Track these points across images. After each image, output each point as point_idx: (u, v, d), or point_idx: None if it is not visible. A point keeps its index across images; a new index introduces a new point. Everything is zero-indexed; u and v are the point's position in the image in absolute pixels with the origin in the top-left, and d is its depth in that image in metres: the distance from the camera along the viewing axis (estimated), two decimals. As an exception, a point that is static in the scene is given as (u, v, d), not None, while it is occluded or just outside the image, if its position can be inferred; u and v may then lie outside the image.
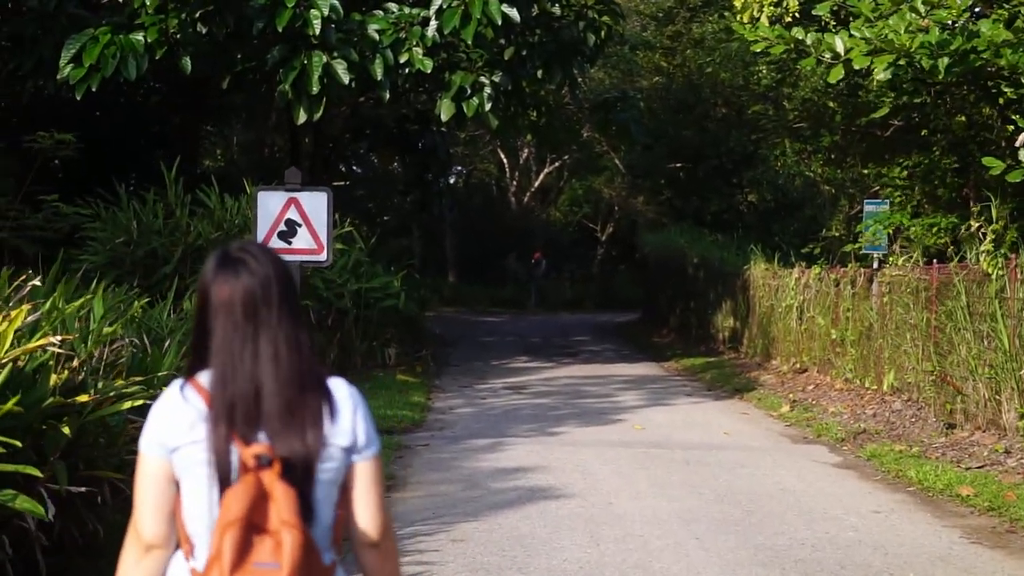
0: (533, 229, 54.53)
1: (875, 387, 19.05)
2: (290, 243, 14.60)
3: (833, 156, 34.85)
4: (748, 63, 39.52)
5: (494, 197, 57.33)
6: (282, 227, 14.72)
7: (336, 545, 3.55)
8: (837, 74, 15.72)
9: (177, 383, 3.55)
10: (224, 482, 3.37)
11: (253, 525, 3.28)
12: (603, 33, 24.93)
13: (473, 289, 51.39)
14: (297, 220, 14.68)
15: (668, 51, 43.36)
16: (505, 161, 55.13)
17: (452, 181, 50.48)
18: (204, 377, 3.49)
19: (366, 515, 3.57)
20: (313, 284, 20.61)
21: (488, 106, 21.90)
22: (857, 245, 21.00)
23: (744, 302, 27.42)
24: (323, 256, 14.70)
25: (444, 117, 22.12)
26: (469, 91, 21.94)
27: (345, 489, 3.55)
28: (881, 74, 15.34)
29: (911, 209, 21.15)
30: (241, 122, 41.24)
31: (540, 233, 54.61)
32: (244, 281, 3.46)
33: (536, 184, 55.05)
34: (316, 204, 14.74)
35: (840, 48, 15.53)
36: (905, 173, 21.60)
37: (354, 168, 44.74)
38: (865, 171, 26.26)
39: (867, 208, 23.42)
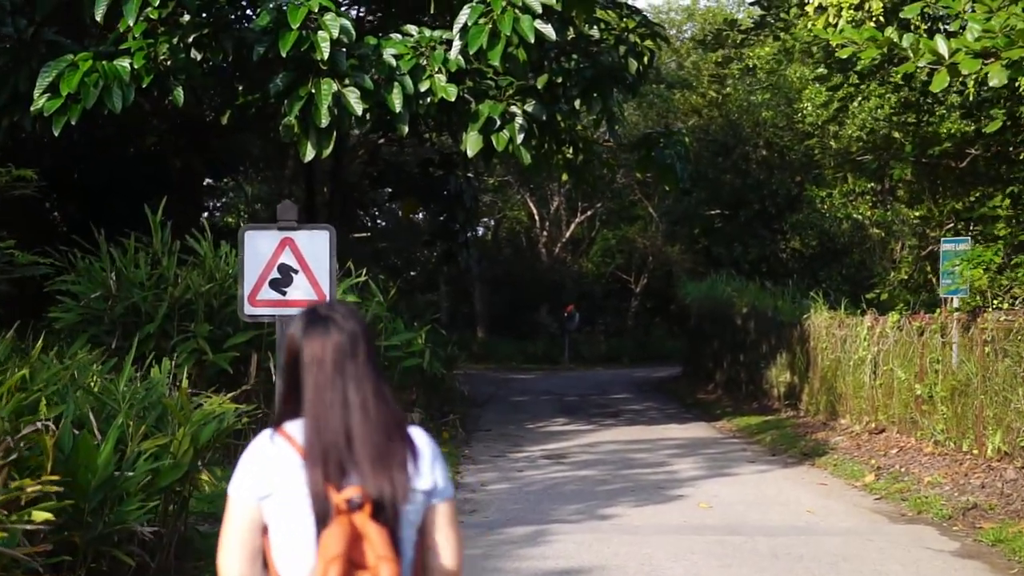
0: (564, 281, 51.71)
1: (976, 451, 16.09)
2: (284, 293, 11.81)
3: (901, 191, 32.28)
4: (792, 100, 37.09)
5: (524, 248, 54.48)
6: (275, 274, 11.93)
7: None
8: (941, 82, 12.88)
9: (267, 432, 3.72)
10: (321, 524, 3.55)
11: (352, 562, 3.47)
12: (646, 59, 22.24)
13: (503, 344, 48.53)
14: (293, 265, 11.90)
15: (714, 78, 40.67)
16: (535, 211, 52.36)
17: (480, 232, 47.85)
18: (292, 427, 3.68)
19: (446, 552, 3.79)
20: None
21: (520, 139, 19.16)
22: (953, 285, 18.01)
23: (803, 354, 24.50)
24: (325, 308, 11.78)
25: (471, 152, 19.36)
26: (498, 122, 19.20)
27: (423, 531, 3.76)
28: (995, 79, 12.50)
29: (1007, 245, 18.30)
30: (255, 171, 38.61)
31: (572, 285, 51.77)
32: (334, 337, 3.69)
33: (567, 235, 52.25)
34: (316, 245, 11.96)
35: (943, 50, 12.68)
36: (1007, 202, 18.67)
37: (377, 219, 41.99)
38: (941, 206, 23.38)
39: (944, 247, 20.55)
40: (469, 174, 31.16)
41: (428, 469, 3.75)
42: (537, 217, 52.62)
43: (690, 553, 11.74)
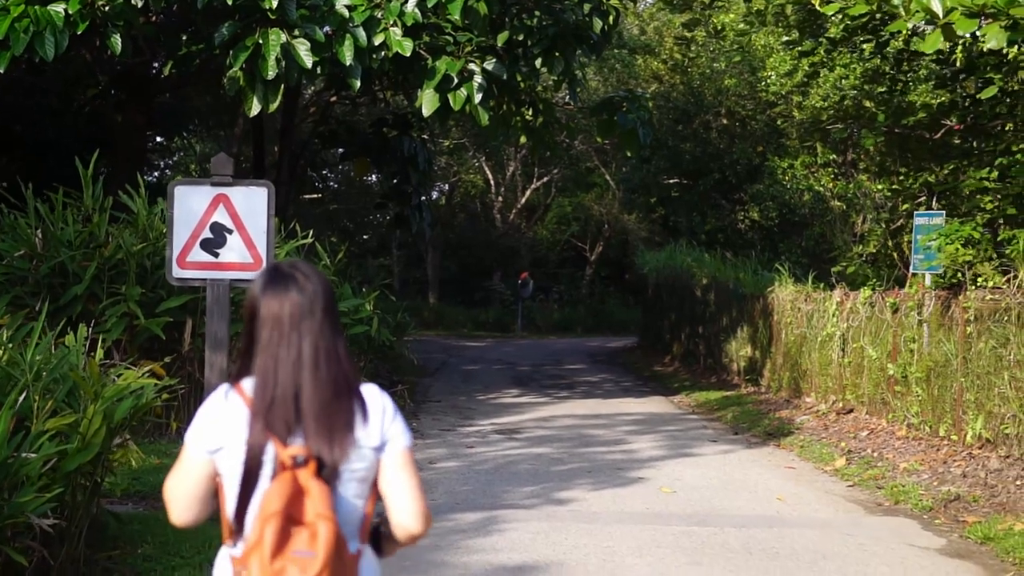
0: (519, 248, 50.57)
1: (954, 437, 15.08)
2: (217, 255, 10.69)
3: (864, 164, 31.30)
4: (756, 68, 36.07)
5: (478, 214, 53.26)
6: (207, 233, 10.81)
7: (362, 536, 3.73)
8: (934, 42, 11.77)
9: (224, 387, 3.77)
10: (254, 476, 3.61)
11: (291, 518, 3.50)
12: (611, 18, 21.02)
13: (455, 311, 47.36)
14: (227, 224, 10.79)
15: (680, 40, 39.52)
16: (490, 176, 51.17)
17: (434, 196, 46.65)
18: (247, 383, 3.72)
19: (403, 503, 3.75)
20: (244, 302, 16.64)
21: (478, 98, 18.01)
22: (928, 263, 17.00)
23: (766, 329, 23.50)
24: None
25: (426, 111, 18.18)
26: (456, 80, 18.04)
27: (375, 484, 3.77)
28: (993, 40, 11.42)
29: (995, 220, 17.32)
30: (205, 129, 37.30)
31: (526, 252, 50.68)
32: (293, 297, 3.71)
33: (522, 201, 51.08)
34: (253, 203, 10.84)
35: (937, 8, 11.58)
36: (995, 175, 17.64)
37: (328, 181, 40.70)
38: (910, 179, 22.35)
39: (918, 221, 19.57)
40: (424, 136, 29.99)
41: (376, 425, 3.75)
42: (492, 183, 51.43)
43: (655, 547, 10.68)
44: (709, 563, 10.13)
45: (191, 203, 10.72)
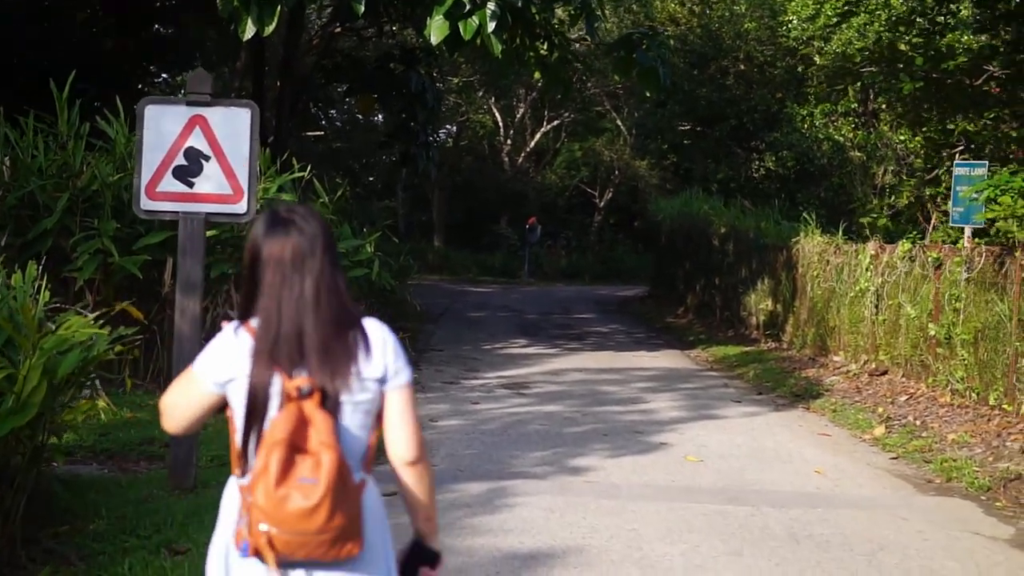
0: (527, 192, 48.98)
1: (1007, 406, 13.63)
2: (191, 185, 9.21)
3: (884, 114, 29.90)
4: (776, 12, 34.58)
5: (486, 156, 51.59)
6: (180, 160, 9.35)
7: (366, 466, 3.81)
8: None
9: (232, 324, 3.83)
10: (259, 409, 3.68)
11: (295, 446, 3.57)
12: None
13: (461, 255, 45.85)
14: (204, 150, 9.32)
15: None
16: (499, 118, 49.51)
17: (442, 138, 45.07)
18: (255, 321, 3.77)
19: (401, 437, 3.84)
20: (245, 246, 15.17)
21: (491, 27, 16.46)
22: (981, 215, 15.52)
23: (789, 281, 22.02)
24: (241, 206, 9.29)
25: (435, 39, 16.63)
26: (468, 6, 16.48)
27: (379, 416, 3.84)
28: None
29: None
30: (207, 67, 35.68)
31: (534, 197, 49.07)
32: (294, 239, 3.76)
33: (532, 144, 49.44)
34: (234, 126, 9.37)
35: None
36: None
37: (332, 119, 39.07)
38: (951, 127, 20.86)
39: (958, 171, 18.12)
40: (432, 72, 28.44)
41: (380, 358, 3.81)
42: (501, 125, 49.80)
43: (687, 530, 9.24)
44: (751, 553, 8.69)
45: (163, 125, 9.24)
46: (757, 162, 37.10)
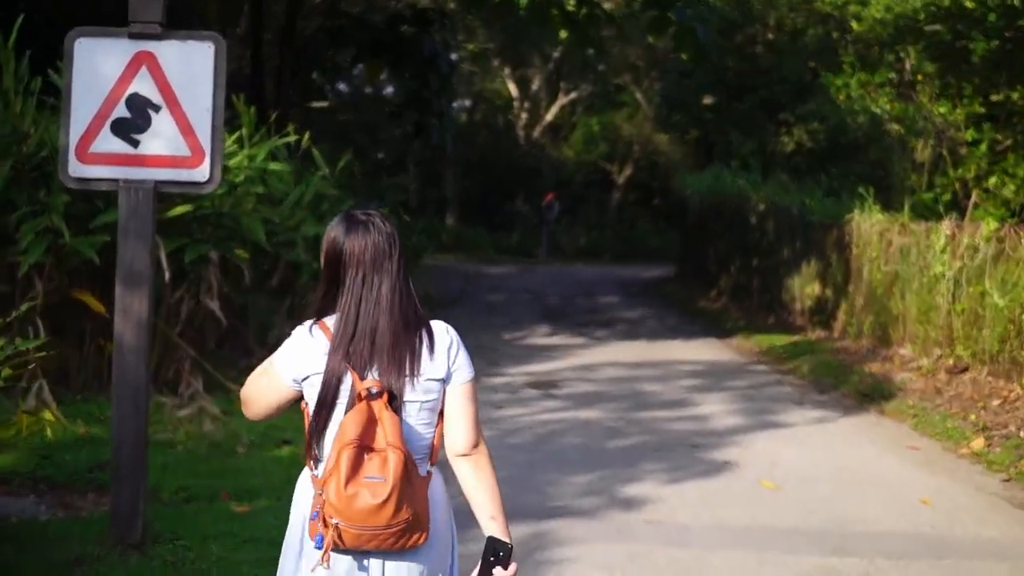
0: (543, 168, 46.52)
1: None
2: (136, 143, 6.87)
3: (923, 85, 27.65)
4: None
5: (500, 131, 49.10)
6: (122, 111, 6.99)
7: (431, 460, 3.91)
8: None
9: (308, 323, 3.94)
10: (330, 404, 3.82)
11: (364, 446, 3.70)
12: None
13: (476, 234, 43.31)
14: (152, 98, 6.95)
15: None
16: (515, 90, 47.06)
17: (456, 109, 42.68)
18: (330, 320, 3.90)
19: (457, 432, 3.92)
20: (248, 224, 12.63)
21: (516, -29, 14.18)
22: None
23: (841, 264, 19.66)
24: (202, 171, 6.94)
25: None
26: (488, -51, 14.19)
27: (442, 414, 3.94)
28: None
29: None
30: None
31: (551, 173, 46.59)
32: (374, 237, 3.90)
33: (548, 118, 46.98)
34: (192, 67, 7.05)
35: None
36: None
37: (339, 90, 36.62)
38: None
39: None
40: (446, 35, 26.09)
41: (443, 359, 3.89)
42: (517, 98, 47.37)
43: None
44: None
45: (99, 65, 6.92)
46: (786, 136, 34.73)
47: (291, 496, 4.00)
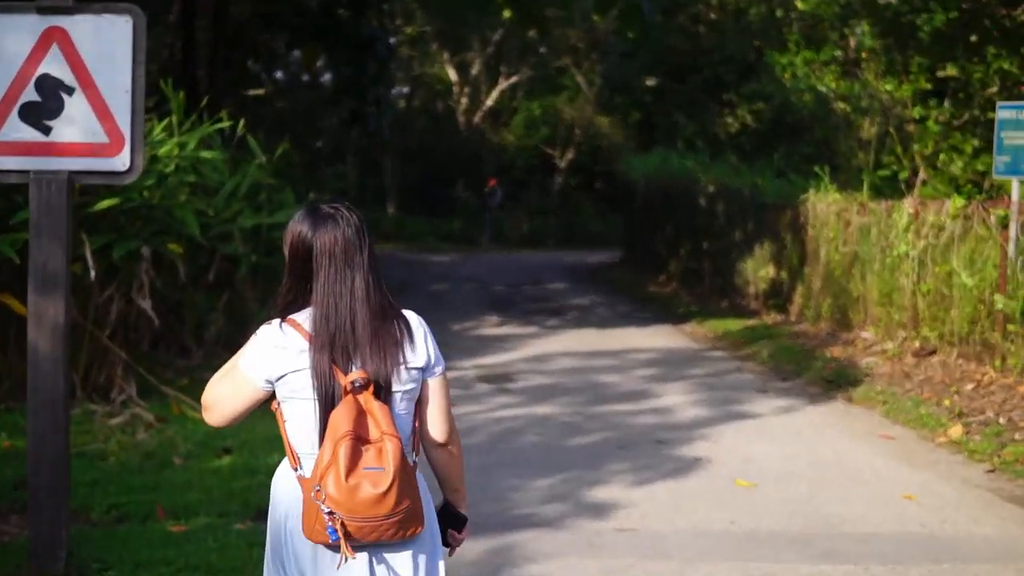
0: (484, 154, 45.74)
1: (1120, 401, 10.76)
2: (48, 130, 6.13)
3: (868, 61, 27.19)
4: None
5: (440, 117, 48.23)
6: (31, 95, 6.25)
7: (415, 449, 3.89)
8: None
9: (275, 322, 3.83)
10: (328, 403, 3.72)
11: (359, 437, 3.64)
12: None
13: (417, 222, 42.44)
14: (65, 79, 6.22)
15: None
16: (454, 75, 46.23)
17: (395, 95, 41.83)
18: (300, 316, 3.80)
19: (436, 422, 3.92)
20: (181, 217, 11.81)
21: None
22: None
23: (796, 245, 19.08)
24: (122, 159, 6.20)
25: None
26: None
27: (419, 403, 3.89)
28: None
29: None
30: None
31: (492, 159, 45.81)
32: (343, 229, 3.82)
33: (488, 103, 46.20)
34: (109, 44, 6.35)
35: None
36: None
37: (276, 75, 35.67)
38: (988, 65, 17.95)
39: (1002, 114, 15.19)
40: (383, 19, 25.33)
41: (422, 348, 3.85)
42: (456, 83, 46.55)
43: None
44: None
45: (3, 44, 6.16)
46: (730, 117, 34.16)
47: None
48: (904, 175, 19.68)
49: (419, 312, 3.83)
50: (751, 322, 19.33)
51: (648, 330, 19.23)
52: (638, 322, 20.22)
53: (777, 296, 19.96)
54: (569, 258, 34.81)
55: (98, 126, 6.11)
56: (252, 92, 29.15)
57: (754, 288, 21.17)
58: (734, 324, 19.22)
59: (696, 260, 24.78)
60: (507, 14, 18.69)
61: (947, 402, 12.24)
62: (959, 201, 14.07)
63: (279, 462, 3.88)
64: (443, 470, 4.02)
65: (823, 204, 18.14)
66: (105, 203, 10.30)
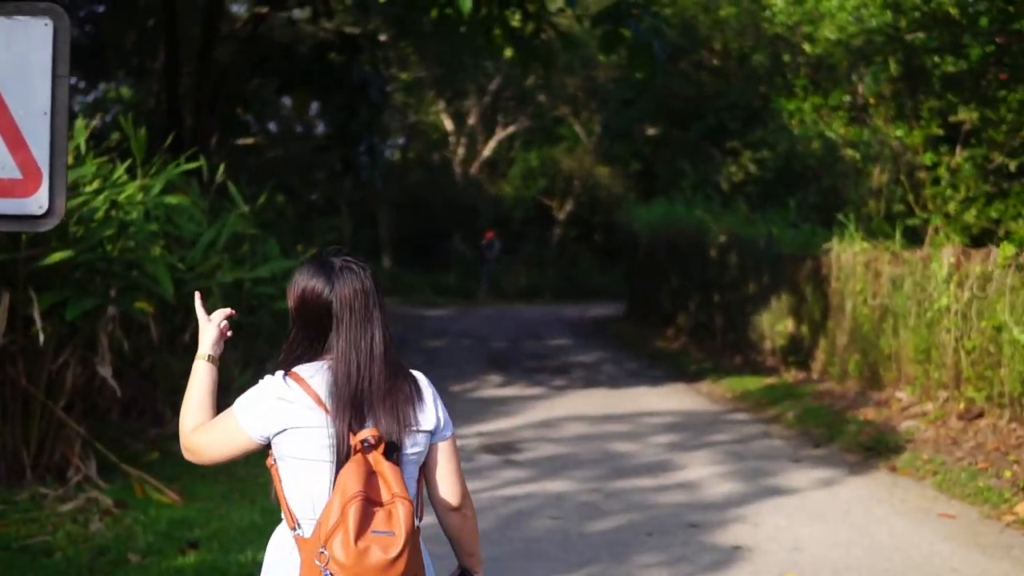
0: (480, 206, 44.46)
1: None
2: (-56, 163, 4.66)
3: (877, 105, 26.00)
4: (758, -6, 30.48)
5: (436, 168, 46.92)
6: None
7: (419, 514, 3.72)
8: None
9: (279, 374, 3.69)
10: (344, 459, 3.57)
11: (368, 499, 3.48)
12: None
13: (412, 275, 41.05)
14: (-33, 97, 4.76)
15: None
16: (450, 124, 44.95)
17: (388, 152, 40.62)
18: (305, 371, 3.68)
19: (448, 485, 3.78)
20: (152, 272, 10.38)
21: (456, -27, 12.27)
22: None
23: (818, 298, 17.75)
24: (38, 199, 4.81)
25: (383, -10, 12.32)
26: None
27: (425, 469, 3.77)
28: None
29: None
30: (125, 66, 31.15)
31: (489, 211, 44.52)
32: (363, 283, 3.72)
33: (486, 153, 44.93)
34: (23, 54, 4.92)
35: None
36: None
37: (268, 127, 34.36)
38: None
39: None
40: (377, 62, 24.06)
41: (431, 410, 3.76)
42: (452, 132, 45.31)
43: None
44: None
45: None
46: (734, 165, 32.92)
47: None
48: (938, 222, 18.36)
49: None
50: (770, 380, 17.98)
51: (661, 390, 17.86)
52: (649, 381, 18.85)
53: (797, 352, 18.62)
54: (569, 311, 33.46)
55: (8, 157, 4.73)
56: (241, 141, 27.86)
57: (771, 343, 19.83)
58: (752, 382, 17.87)
59: (706, 314, 23.42)
60: (508, 53, 17.36)
61: (1007, 473, 10.86)
62: (1009, 249, 12.70)
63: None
64: (457, 534, 3.88)
65: (848, 253, 16.81)
66: (56, 256, 8.87)
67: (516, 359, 21.68)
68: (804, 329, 18.48)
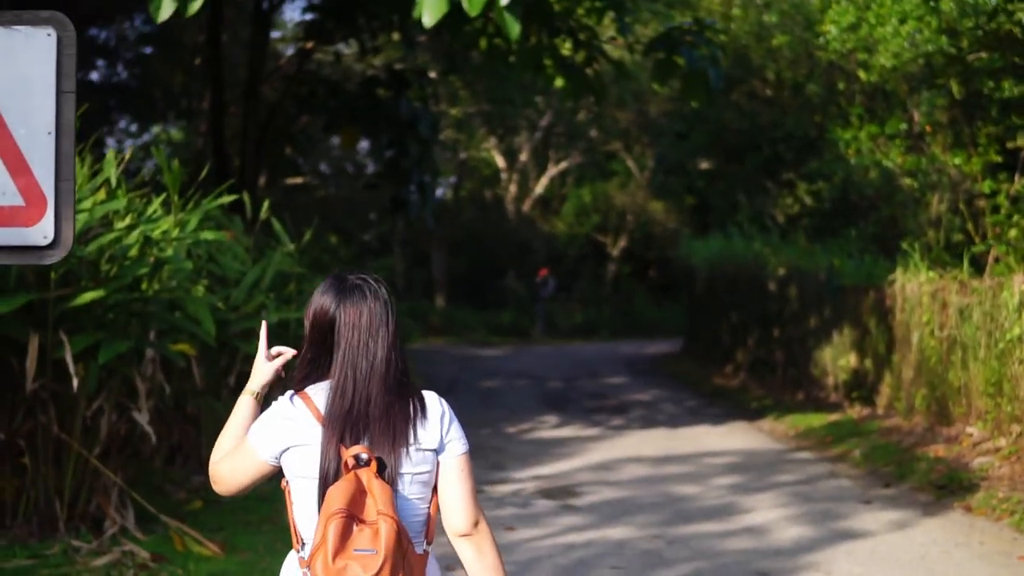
0: (534, 243, 44.06)
1: None
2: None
3: (936, 134, 25.41)
4: (812, 22, 29.96)
5: (488, 206, 46.59)
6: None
7: (428, 538, 3.68)
8: None
9: (288, 394, 3.73)
10: (327, 481, 3.56)
11: (353, 516, 3.46)
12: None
13: (466, 314, 40.63)
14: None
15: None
16: (502, 161, 44.58)
17: (439, 191, 40.27)
18: (313, 390, 3.71)
19: (454, 508, 3.67)
20: (191, 312, 9.92)
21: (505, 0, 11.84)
22: None
23: (882, 331, 17.17)
24: (43, 228, 4.34)
25: (428, 19, 11.96)
26: (471, -25, 11.80)
27: (436, 488, 3.69)
28: None
29: None
30: (173, 107, 31.01)
31: (542, 248, 44.12)
32: (370, 303, 3.73)
33: (538, 190, 44.51)
34: (25, 70, 4.42)
35: None
36: None
37: (318, 165, 34.11)
38: None
39: None
40: (426, 97, 23.67)
41: (436, 429, 3.69)
42: (504, 169, 44.94)
43: None
44: None
45: None
46: (790, 197, 32.33)
47: None
48: (1002, 250, 17.78)
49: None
50: (834, 416, 17.39)
51: (722, 428, 17.30)
52: (709, 419, 18.30)
53: (861, 387, 18.02)
54: (626, 348, 32.93)
55: (9, 183, 4.31)
56: (291, 180, 27.56)
57: (833, 379, 19.23)
58: (816, 419, 17.30)
59: (766, 349, 22.85)
60: (559, 82, 16.91)
61: (1091, 514, 10.28)
62: (1089, 276, 12.14)
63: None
64: (472, 567, 3.71)
65: (913, 284, 16.24)
66: (87, 296, 8.45)
67: (573, 398, 21.16)
68: (868, 363, 17.88)
